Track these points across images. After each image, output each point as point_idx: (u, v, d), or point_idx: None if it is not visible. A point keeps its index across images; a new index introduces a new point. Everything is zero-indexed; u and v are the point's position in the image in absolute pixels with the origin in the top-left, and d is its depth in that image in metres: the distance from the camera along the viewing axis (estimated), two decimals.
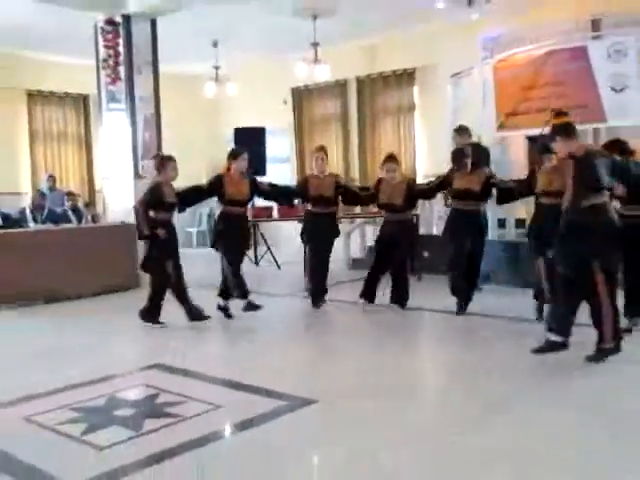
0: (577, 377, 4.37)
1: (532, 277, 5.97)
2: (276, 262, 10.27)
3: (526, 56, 9.00)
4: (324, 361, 5.18)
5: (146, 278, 8.52)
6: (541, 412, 3.74)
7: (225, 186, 6.34)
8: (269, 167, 11.20)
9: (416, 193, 6.76)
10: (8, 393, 4.29)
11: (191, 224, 13.75)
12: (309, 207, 6.96)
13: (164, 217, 6.23)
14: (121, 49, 8.88)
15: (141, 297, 7.97)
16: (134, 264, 8.57)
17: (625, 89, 8.18)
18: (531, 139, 8.56)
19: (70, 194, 10.12)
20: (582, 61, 8.44)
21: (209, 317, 6.27)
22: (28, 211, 9.13)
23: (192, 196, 6.63)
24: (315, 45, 10.30)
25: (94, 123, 11.98)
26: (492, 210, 7.55)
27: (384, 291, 6.80)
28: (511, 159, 9.74)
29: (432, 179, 7.00)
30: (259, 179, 7.10)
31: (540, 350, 4.56)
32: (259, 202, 10.88)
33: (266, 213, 10.00)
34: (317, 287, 6.90)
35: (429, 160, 11.07)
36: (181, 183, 10.26)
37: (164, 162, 6.28)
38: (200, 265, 9.00)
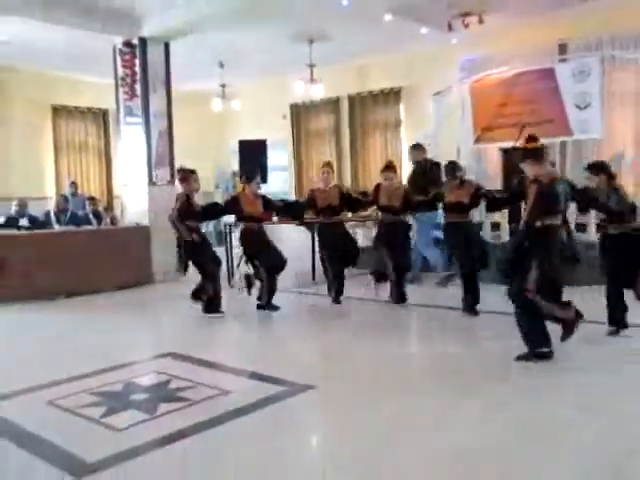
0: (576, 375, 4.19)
1: None
2: None
3: (500, 76, 8.98)
4: (322, 350, 5.11)
5: (159, 275, 8.51)
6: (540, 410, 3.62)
7: (242, 205, 6.36)
8: (270, 175, 11.14)
9: (412, 202, 6.64)
10: (31, 380, 4.21)
11: None
12: (320, 218, 6.89)
13: (195, 224, 6.21)
14: (137, 69, 8.80)
15: (155, 292, 7.97)
16: (149, 262, 8.53)
17: (588, 106, 8.16)
18: (505, 151, 8.56)
19: (91, 199, 10.02)
20: (550, 81, 8.43)
21: (223, 312, 6.26)
22: (52, 214, 9.01)
23: (213, 211, 6.68)
24: (311, 66, 10.25)
25: (113, 135, 11.91)
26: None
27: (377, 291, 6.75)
28: (487, 169, 9.72)
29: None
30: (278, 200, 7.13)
31: (525, 357, 4.36)
32: None
33: (267, 217, 9.88)
34: (338, 286, 6.84)
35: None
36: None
37: (187, 175, 6.28)
38: None
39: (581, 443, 3.09)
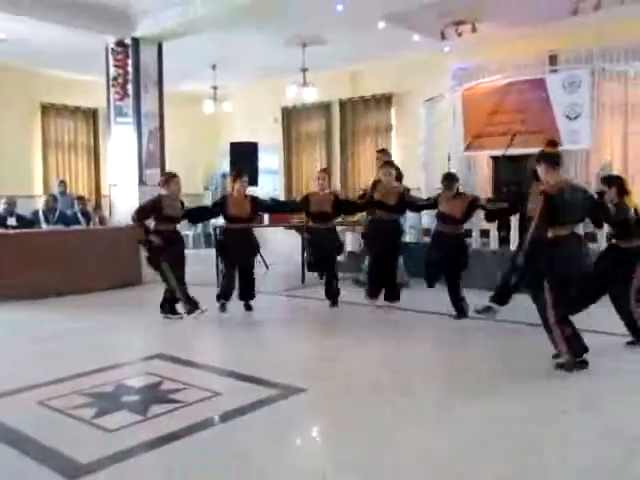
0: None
1: None
2: (265, 263, 10.20)
3: (491, 85, 9.09)
4: (312, 353, 5.12)
5: (148, 276, 8.48)
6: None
7: (228, 206, 6.42)
8: (261, 178, 11.15)
9: (407, 200, 6.65)
10: (21, 380, 4.20)
11: (187, 228, 13.62)
12: (310, 223, 6.93)
13: (164, 228, 6.18)
14: (130, 69, 8.81)
15: (143, 292, 7.94)
16: (138, 262, 8.49)
17: (578, 117, 8.27)
18: (495, 159, 8.66)
19: (80, 198, 9.97)
20: (541, 91, 8.54)
21: (180, 315, 6.25)
22: (41, 213, 8.96)
23: (199, 214, 6.83)
24: (304, 70, 10.29)
25: (102, 135, 11.85)
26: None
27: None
28: (476, 175, 9.82)
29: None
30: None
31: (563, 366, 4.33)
32: None
33: (258, 220, 9.91)
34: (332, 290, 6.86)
35: (405, 175, 11.06)
36: (182, 191, 10.18)
37: (168, 179, 6.34)
38: (194, 264, 8.89)
39: (581, 443, 3.13)
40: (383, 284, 6.68)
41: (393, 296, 6.67)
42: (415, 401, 3.80)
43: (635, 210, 4.87)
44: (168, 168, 9.22)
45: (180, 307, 6.27)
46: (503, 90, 8.86)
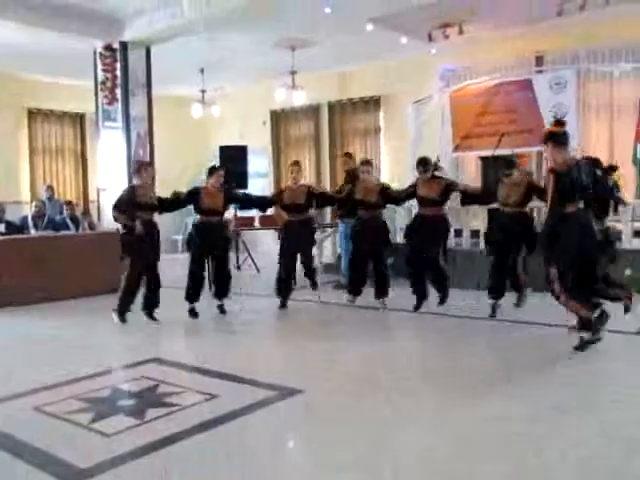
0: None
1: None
2: (256, 266, 10.21)
3: (479, 87, 9.18)
4: (305, 354, 5.11)
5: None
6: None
7: (202, 197, 6.39)
8: (250, 182, 11.15)
9: (388, 195, 6.72)
10: (16, 385, 4.18)
11: (177, 232, 13.59)
12: (285, 216, 6.97)
13: (140, 216, 6.09)
14: (118, 73, 8.80)
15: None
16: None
17: (564, 117, 8.35)
18: (483, 159, 8.73)
19: (69, 203, 9.91)
20: (528, 92, 8.64)
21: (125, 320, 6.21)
22: (30, 219, 8.90)
23: (171, 203, 6.56)
24: (293, 73, 10.32)
25: (90, 140, 11.82)
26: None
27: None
28: (465, 175, 9.88)
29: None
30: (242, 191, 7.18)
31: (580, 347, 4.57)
32: (241, 212, 10.89)
33: (248, 222, 9.94)
34: (285, 287, 6.95)
35: (392, 176, 11.13)
36: (169, 193, 10.17)
37: (139, 167, 6.31)
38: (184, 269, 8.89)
39: (580, 443, 3.14)
40: (364, 281, 6.75)
41: (382, 292, 6.72)
42: (413, 401, 3.82)
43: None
44: (157, 172, 9.21)
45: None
46: (491, 91, 8.96)
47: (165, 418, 3.56)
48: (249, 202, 7.22)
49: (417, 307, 6.42)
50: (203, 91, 11.39)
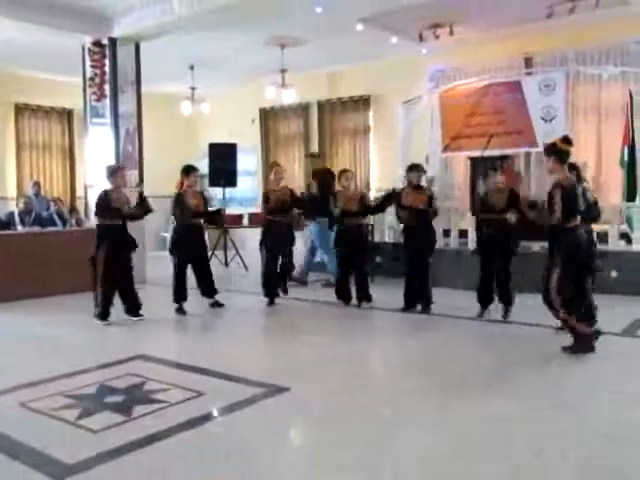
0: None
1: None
2: (244, 264, 10.21)
3: (468, 87, 9.22)
4: (294, 351, 5.15)
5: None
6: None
7: (186, 201, 6.49)
8: (239, 179, 11.17)
9: (367, 204, 6.91)
10: (1, 381, 4.17)
11: (165, 229, 13.54)
12: (269, 216, 6.98)
13: (111, 222, 6.07)
14: (107, 69, 8.75)
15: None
16: None
17: (553, 119, 8.44)
18: (472, 160, 8.78)
19: (57, 200, 9.88)
20: (517, 93, 8.69)
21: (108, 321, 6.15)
22: (17, 215, 8.85)
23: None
24: (283, 71, 10.32)
25: (78, 136, 11.74)
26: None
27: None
28: (454, 176, 9.94)
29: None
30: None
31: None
32: (230, 210, 10.88)
33: (237, 221, 9.95)
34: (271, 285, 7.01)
35: (382, 176, 11.19)
36: (159, 191, 10.17)
37: (115, 171, 6.28)
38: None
39: (580, 442, 3.17)
40: (357, 285, 6.80)
41: (363, 299, 6.77)
42: (412, 399, 3.84)
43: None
44: (146, 169, 9.20)
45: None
46: (480, 92, 9.00)
47: (152, 415, 3.58)
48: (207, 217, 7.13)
49: (423, 310, 6.41)
50: (193, 88, 11.36)
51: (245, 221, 9.77)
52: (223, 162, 10.63)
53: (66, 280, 7.66)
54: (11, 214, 8.91)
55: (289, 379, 4.13)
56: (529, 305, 5.78)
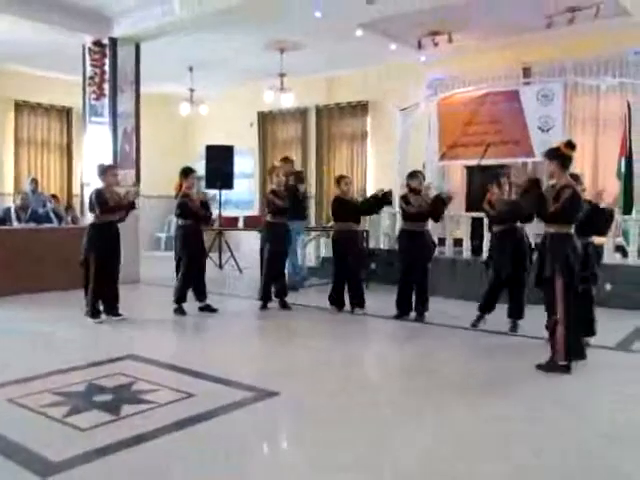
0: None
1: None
2: (238, 267, 10.20)
3: (466, 96, 9.25)
4: (286, 355, 5.12)
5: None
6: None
7: (193, 202, 6.52)
8: (236, 182, 11.17)
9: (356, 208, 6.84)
10: None
11: (160, 230, 13.55)
12: (268, 218, 6.97)
13: (106, 219, 6.09)
14: (107, 69, 8.76)
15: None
16: None
17: (550, 129, 8.46)
18: (469, 168, 8.81)
19: (54, 197, 9.87)
20: (515, 103, 8.73)
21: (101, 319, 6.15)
22: (13, 211, 8.82)
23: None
24: (282, 75, 10.34)
25: (76, 134, 11.75)
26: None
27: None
28: (450, 184, 9.95)
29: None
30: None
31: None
32: (225, 212, 10.89)
33: (233, 223, 9.94)
34: (266, 287, 7.00)
35: (379, 181, 11.19)
36: (154, 191, 10.15)
37: (106, 170, 6.27)
38: (166, 266, 8.86)
39: (579, 442, 3.18)
40: (350, 291, 6.77)
41: (358, 303, 6.75)
42: (410, 400, 3.84)
43: None
44: (143, 169, 9.19)
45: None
46: (478, 101, 9.03)
47: (140, 415, 3.56)
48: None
49: (417, 318, 6.38)
50: (191, 90, 11.38)
51: (240, 224, 9.75)
52: (220, 164, 10.63)
53: (61, 277, 7.66)
54: (8, 210, 8.87)
55: (282, 381, 4.12)
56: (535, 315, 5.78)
